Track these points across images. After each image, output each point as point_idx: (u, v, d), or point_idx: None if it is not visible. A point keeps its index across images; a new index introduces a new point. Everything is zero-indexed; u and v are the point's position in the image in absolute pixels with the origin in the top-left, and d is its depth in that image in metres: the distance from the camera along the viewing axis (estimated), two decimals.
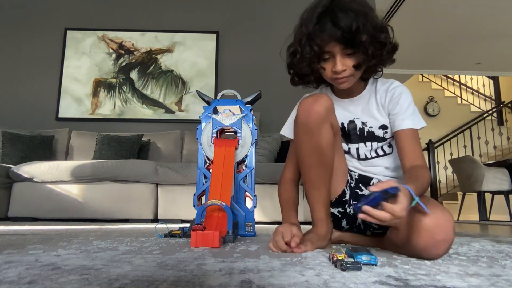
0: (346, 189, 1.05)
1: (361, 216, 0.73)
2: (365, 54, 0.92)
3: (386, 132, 1.05)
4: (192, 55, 4.04)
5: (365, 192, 1.05)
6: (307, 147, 0.95)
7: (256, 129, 1.53)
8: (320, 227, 0.97)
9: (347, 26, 0.88)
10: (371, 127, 1.05)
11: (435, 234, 0.75)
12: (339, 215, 1.06)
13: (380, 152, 1.07)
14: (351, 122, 1.07)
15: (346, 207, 1.06)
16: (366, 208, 0.71)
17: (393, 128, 1.02)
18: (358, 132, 1.06)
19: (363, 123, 1.06)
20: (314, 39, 0.92)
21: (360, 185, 1.06)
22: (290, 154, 1.14)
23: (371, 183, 1.06)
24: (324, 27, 0.90)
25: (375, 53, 0.93)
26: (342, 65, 0.94)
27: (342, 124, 1.08)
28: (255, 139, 1.51)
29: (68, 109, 3.88)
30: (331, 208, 1.03)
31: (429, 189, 6.23)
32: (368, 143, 1.06)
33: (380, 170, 1.07)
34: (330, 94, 1.12)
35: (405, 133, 0.99)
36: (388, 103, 1.03)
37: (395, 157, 1.05)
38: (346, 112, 1.08)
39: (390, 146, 1.07)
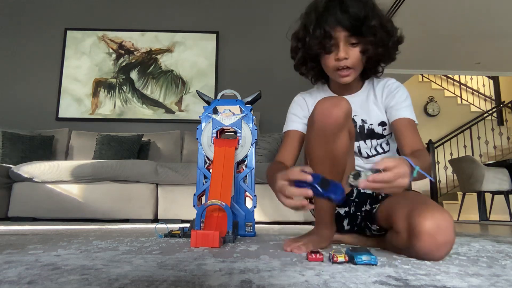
0: (354, 189, 1.05)
1: (362, 185, 0.69)
2: (372, 43, 0.94)
3: (385, 129, 1.07)
4: (192, 55, 4.04)
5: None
6: (320, 152, 0.90)
7: (256, 129, 1.53)
8: (324, 229, 0.97)
9: (356, 13, 0.91)
10: (371, 124, 1.07)
11: (437, 237, 0.74)
12: (343, 214, 1.06)
13: (380, 150, 1.09)
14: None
15: (351, 205, 1.06)
16: (373, 177, 0.68)
17: (390, 118, 1.04)
18: (358, 130, 1.07)
19: (363, 121, 1.07)
20: (322, 23, 0.94)
21: None
22: (287, 144, 1.10)
23: None
24: (332, 12, 0.93)
25: (383, 39, 0.95)
26: (345, 53, 0.95)
27: None
28: (255, 139, 1.51)
29: (68, 109, 3.88)
30: (336, 208, 1.03)
31: (429, 189, 6.23)
32: (368, 141, 1.08)
33: None
34: (327, 91, 1.13)
35: (404, 122, 1.00)
36: (385, 98, 1.06)
37: (393, 154, 1.08)
38: None
39: (387, 143, 1.09)
